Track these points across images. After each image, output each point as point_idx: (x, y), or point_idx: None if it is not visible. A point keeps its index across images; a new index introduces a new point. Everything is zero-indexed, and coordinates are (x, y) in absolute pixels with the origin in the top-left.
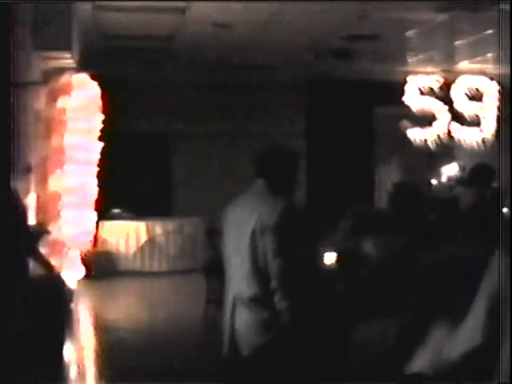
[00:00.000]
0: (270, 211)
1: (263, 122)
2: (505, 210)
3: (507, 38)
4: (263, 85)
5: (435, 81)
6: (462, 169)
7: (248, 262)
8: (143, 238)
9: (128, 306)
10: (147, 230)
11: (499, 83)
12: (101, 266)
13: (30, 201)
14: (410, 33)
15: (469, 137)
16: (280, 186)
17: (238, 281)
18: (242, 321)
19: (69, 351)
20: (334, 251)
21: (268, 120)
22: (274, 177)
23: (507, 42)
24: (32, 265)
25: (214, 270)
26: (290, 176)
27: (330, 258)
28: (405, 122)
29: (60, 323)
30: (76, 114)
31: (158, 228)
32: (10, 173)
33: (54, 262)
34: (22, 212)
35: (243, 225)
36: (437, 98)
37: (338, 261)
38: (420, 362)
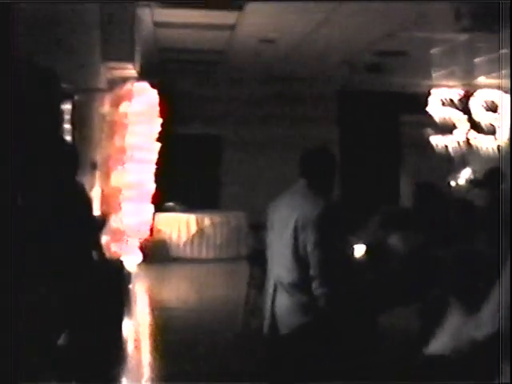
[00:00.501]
0: (311, 208)
1: (303, 129)
2: None
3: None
4: (303, 95)
5: (456, 93)
6: (478, 172)
7: (289, 252)
8: (193, 228)
9: (179, 289)
10: (197, 221)
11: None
12: (156, 253)
13: (95, 194)
14: (434, 50)
15: (485, 144)
16: (320, 185)
17: (280, 268)
18: (282, 304)
19: (127, 326)
20: (364, 244)
21: (307, 127)
22: (315, 177)
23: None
24: (96, 251)
25: (256, 259)
26: (328, 177)
27: (360, 249)
28: (428, 130)
29: (120, 302)
30: (136, 118)
31: (207, 220)
32: (77, 169)
33: (115, 248)
34: (88, 204)
35: (286, 219)
36: (457, 108)
37: (367, 252)
38: (440, 345)
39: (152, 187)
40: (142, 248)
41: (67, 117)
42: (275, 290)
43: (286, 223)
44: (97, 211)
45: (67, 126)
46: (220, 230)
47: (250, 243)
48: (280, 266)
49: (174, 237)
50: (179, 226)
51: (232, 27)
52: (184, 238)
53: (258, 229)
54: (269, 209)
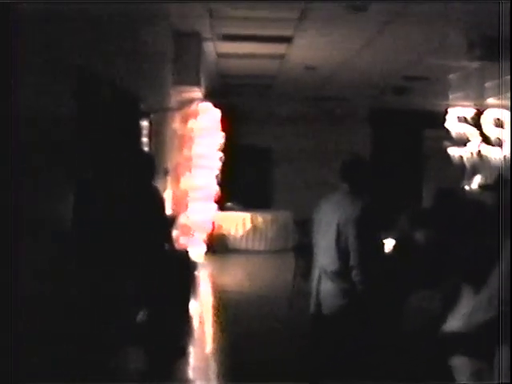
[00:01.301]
0: (352, 208)
1: (340, 142)
2: None
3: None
4: (341, 113)
5: (469, 112)
6: (488, 178)
7: (333, 245)
8: (248, 225)
9: (236, 275)
10: (251, 219)
11: None
12: (217, 245)
13: (167, 196)
14: (451, 76)
15: (493, 154)
16: (358, 189)
17: (324, 259)
18: (326, 289)
19: (193, 306)
20: (393, 239)
21: (344, 140)
22: (355, 182)
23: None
24: (168, 243)
25: (301, 251)
26: (365, 182)
27: (390, 244)
28: (446, 143)
29: (187, 286)
30: (202, 132)
31: (260, 218)
32: (154, 175)
33: (183, 241)
34: (162, 204)
35: (330, 218)
36: (470, 124)
37: (396, 246)
38: (456, 323)
39: (215, 190)
40: (206, 241)
41: (145, 131)
42: (320, 278)
43: (330, 221)
44: (168, 210)
45: (145, 139)
46: (270, 226)
47: (295, 238)
48: (324, 257)
49: (233, 232)
50: (237, 223)
51: (282, 56)
52: (241, 233)
53: (302, 225)
54: (315, 209)
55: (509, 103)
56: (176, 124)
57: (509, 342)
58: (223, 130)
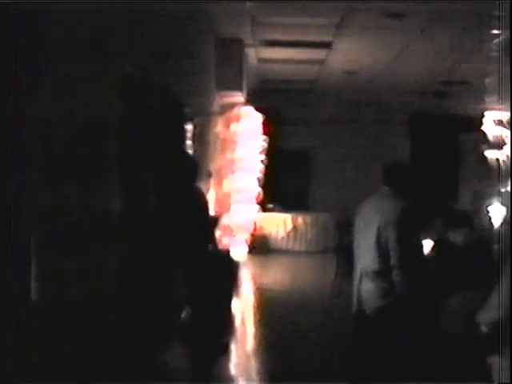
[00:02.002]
0: (392, 210)
1: (380, 145)
2: None
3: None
4: (381, 117)
5: (505, 115)
6: None
7: (374, 246)
8: (289, 226)
9: (277, 275)
10: (292, 220)
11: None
12: (259, 245)
13: (210, 197)
14: (487, 79)
15: None
16: (399, 191)
17: (365, 259)
18: (367, 289)
19: (235, 306)
20: (431, 239)
21: (383, 143)
22: (397, 184)
23: None
24: (211, 244)
25: (340, 251)
26: (406, 184)
27: (428, 244)
28: (483, 145)
29: (230, 285)
30: (244, 136)
31: (300, 219)
32: (197, 177)
33: (225, 241)
34: (206, 206)
35: (371, 219)
36: (506, 128)
37: (434, 247)
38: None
39: (256, 192)
40: (248, 241)
41: (189, 135)
42: (361, 278)
43: (370, 222)
44: (212, 211)
45: (189, 142)
46: (310, 227)
47: (335, 239)
48: (365, 257)
49: (274, 232)
50: (278, 224)
51: (322, 62)
52: (281, 234)
53: (341, 227)
54: (356, 210)
55: None
56: (219, 128)
57: (509, 342)
58: (265, 133)
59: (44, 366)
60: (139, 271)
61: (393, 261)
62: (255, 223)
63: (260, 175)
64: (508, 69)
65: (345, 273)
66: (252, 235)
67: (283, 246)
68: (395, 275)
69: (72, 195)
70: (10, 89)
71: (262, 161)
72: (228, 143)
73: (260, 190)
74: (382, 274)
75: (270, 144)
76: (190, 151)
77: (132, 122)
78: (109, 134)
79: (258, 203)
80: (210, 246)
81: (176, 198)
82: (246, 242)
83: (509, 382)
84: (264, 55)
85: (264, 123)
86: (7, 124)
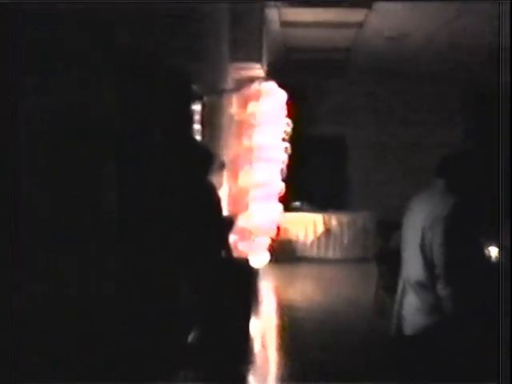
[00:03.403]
0: (442, 206)
1: (427, 128)
2: None
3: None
4: (428, 93)
5: None
6: None
7: (417, 250)
8: (320, 228)
9: (305, 288)
10: (324, 221)
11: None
12: (283, 252)
13: (223, 193)
14: None
15: None
16: (458, 184)
17: (408, 267)
18: (409, 304)
19: (254, 326)
20: (497, 246)
21: (431, 125)
22: (455, 177)
23: None
24: (224, 250)
25: (384, 259)
26: (468, 177)
27: (493, 252)
28: None
29: (247, 300)
30: (264, 118)
31: (334, 220)
32: (210, 169)
33: (242, 247)
34: (218, 204)
35: (416, 217)
36: None
37: (499, 254)
38: None
39: (279, 186)
40: (269, 247)
41: (197, 117)
42: (403, 290)
43: (415, 222)
44: (225, 211)
45: (197, 126)
46: (347, 229)
47: (377, 243)
48: (409, 264)
49: (301, 236)
50: (306, 226)
51: (360, 25)
52: (311, 238)
53: (385, 229)
54: (404, 209)
55: None
56: (234, 108)
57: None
58: (290, 115)
59: (44, 366)
60: (139, 282)
61: (438, 269)
62: (278, 225)
63: (284, 166)
64: None
65: (389, 286)
66: (275, 240)
67: (313, 252)
68: (440, 288)
69: (70, 193)
70: (10, 89)
71: (286, 149)
72: (245, 127)
73: (284, 184)
74: (426, 285)
75: (295, 128)
76: (199, 138)
77: (128, 105)
78: (106, 122)
79: (281, 201)
80: (224, 253)
81: (183, 195)
82: (268, 248)
83: (509, 382)
84: (289, 17)
85: (289, 103)
86: (7, 124)
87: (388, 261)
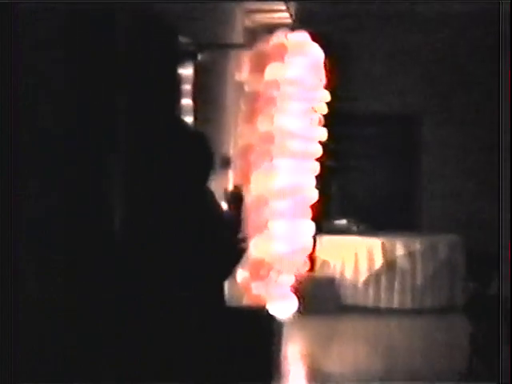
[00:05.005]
0: None
1: None
2: None
3: None
4: None
5: None
6: None
7: None
8: (378, 260)
9: (356, 354)
10: (384, 249)
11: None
12: (319, 298)
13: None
14: None
15: None
16: None
17: None
18: None
19: None
20: None
21: None
22: None
23: None
24: (229, 293)
25: (481, 310)
26: None
27: None
28: None
29: (264, 368)
30: (291, 89)
31: (400, 247)
32: (204, 170)
33: (257, 289)
34: (218, 221)
35: None
36: None
37: None
38: None
39: (313, 195)
40: (298, 289)
41: (186, 87)
42: None
43: None
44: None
45: (186, 101)
46: (421, 263)
47: (469, 285)
48: None
49: (348, 273)
50: (356, 257)
51: None
52: (363, 276)
53: (481, 263)
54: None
55: None
56: (243, 73)
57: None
58: (329, 84)
59: (44, 365)
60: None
61: None
62: (311, 255)
63: (319, 164)
64: None
65: (490, 351)
66: (306, 278)
67: (366, 299)
68: None
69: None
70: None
71: (322, 137)
72: (261, 103)
73: (319, 191)
74: None
75: (339, 105)
76: (188, 119)
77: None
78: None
79: (315, 217)
80: (229, 298)
81: (168, 207)
82: (296, 290)
83: (509, 382)
84: None
85: (330, 65)
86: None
87: (487, 313)
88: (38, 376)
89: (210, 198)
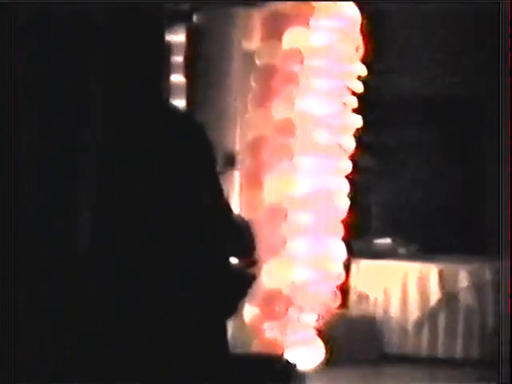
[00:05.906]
0: None
1: None
2: None
3: None
4: None
5: None
6: None
7: None
8: (434, 293)
9: None
10: (441, 278)
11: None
12: (354, 343)
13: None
14: None
15: None
16: None
17: None
18: None
19: None
20: None
21: None
22: None
23: None
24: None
25: None
26: None
27: None
28: None
29: None
30: (318, 62)
31: (463, 277)
32: (204, 170)
33: (271, 332)
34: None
35: None
36: None
37: None
38: None
39: (345, 205)
40: (325, 332)
41: (178, 59)
42: None
43: None
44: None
45: (176, 77)
46: (492, 296)
47: None
48: None
49: (393, 310)
50: (403, 287)
51: None
52: (414, 314)
53: None
54: None
55: None
56: (253, 42)
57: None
58: (366, 56)
59: (44, 365)
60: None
61: None
62: (343, 284)
63: (351, 165)
64: None
65: None
66: (335, 315)
67: (417, 344)
68: None
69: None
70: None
71: (357, 132)
72: (278, 81)
73: (352, 202)
74: None
75: (377, 84)
76: (180, 103)
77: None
78: None
79: (348, 235)
80: (234, 343)
81: (157, 220)
82: (322, 333)
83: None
84: None
85: (367, 30)
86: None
87: None
88: (37, 376)
89: (208, 204)
